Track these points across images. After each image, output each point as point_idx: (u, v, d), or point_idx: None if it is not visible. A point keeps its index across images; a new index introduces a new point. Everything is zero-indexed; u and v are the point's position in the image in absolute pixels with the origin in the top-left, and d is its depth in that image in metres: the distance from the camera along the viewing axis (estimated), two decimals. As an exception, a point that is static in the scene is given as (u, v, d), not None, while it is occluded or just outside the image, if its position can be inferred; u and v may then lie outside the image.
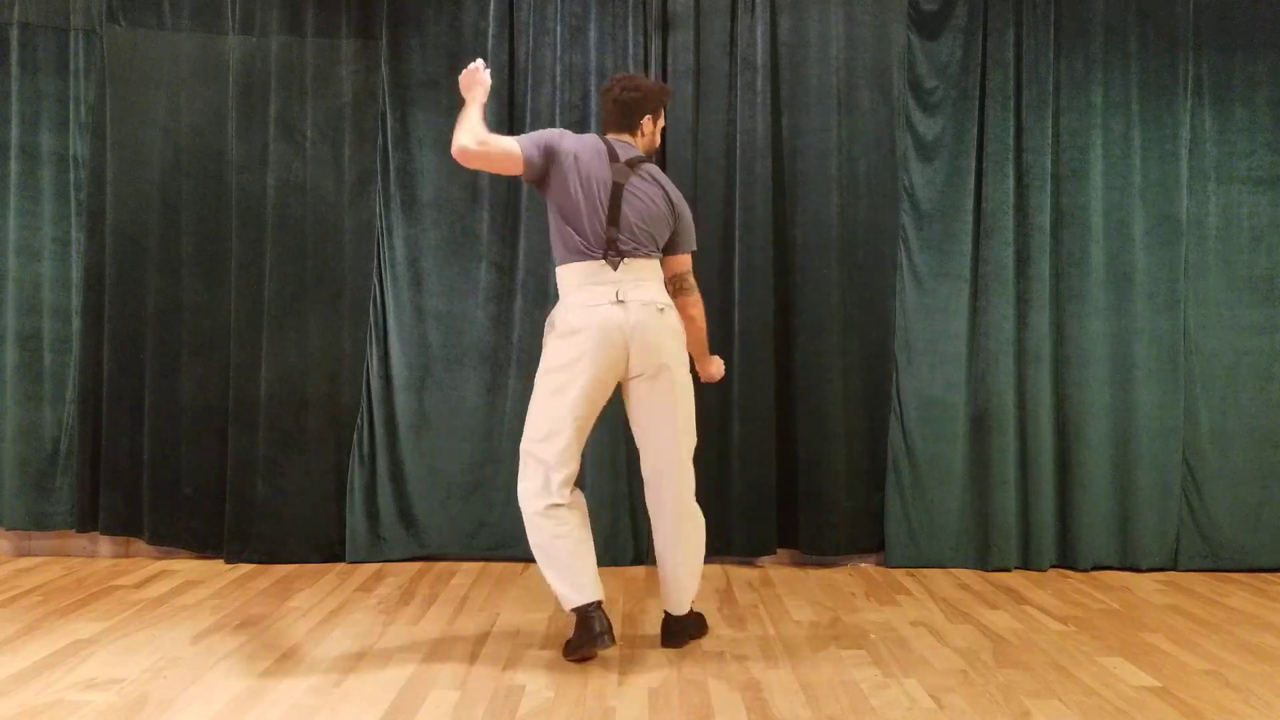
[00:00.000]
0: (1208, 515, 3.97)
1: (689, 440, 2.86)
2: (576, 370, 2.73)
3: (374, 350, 3.96)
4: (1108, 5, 3.99)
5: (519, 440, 3.90)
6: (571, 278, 2.79)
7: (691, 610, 2.93)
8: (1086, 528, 3.93)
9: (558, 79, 3.98)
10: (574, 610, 2.72)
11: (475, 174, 3.98)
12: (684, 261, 2.92)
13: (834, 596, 3.51)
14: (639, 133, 2.91)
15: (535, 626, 3.09)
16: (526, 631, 3.04)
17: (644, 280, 2.77)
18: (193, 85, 3.96)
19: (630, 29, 3.96)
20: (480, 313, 3.98)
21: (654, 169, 2.90)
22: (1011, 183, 3.94)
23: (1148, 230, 3.98)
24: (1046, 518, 3.93)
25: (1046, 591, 3.61)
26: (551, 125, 3.98)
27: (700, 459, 3.91)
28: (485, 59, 3.96)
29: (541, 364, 2.83)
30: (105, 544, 4.02)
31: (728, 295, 3.95)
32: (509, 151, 2.73)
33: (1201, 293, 3.99)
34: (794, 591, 3.58)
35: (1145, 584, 3.77)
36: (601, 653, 2.79)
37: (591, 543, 2.80)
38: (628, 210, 2.77)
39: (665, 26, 4.00)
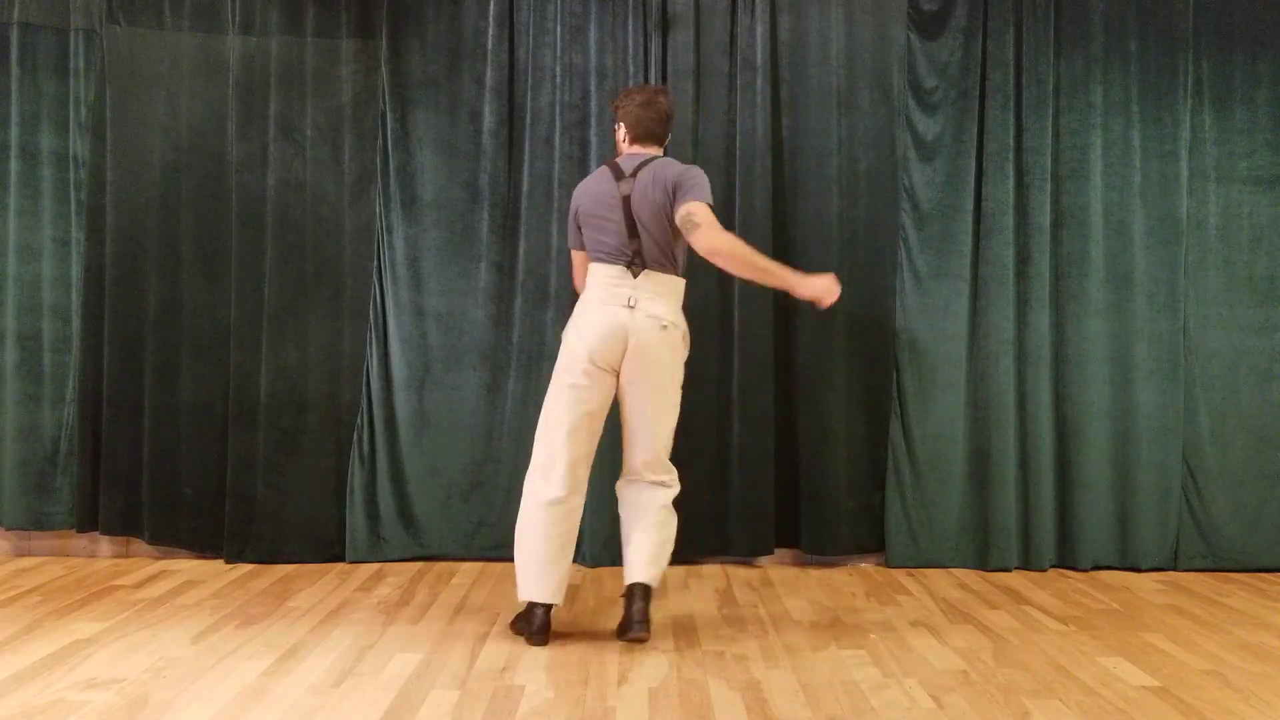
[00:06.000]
0: (1208, 515, 3.97)
1: (668, 444, 3.04)
2: (577, 358, 2.91)
3: (374, 350, 3.96)
4: (1108, 5, 3.99)
5: (519, 440, 3.97)
6: (594, 275, 2.98)
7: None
8: (1086, 528, 3.94)
9: (558, 79, 3.98)
10: None
11: (475, 174, 3.99)
12: (686, 205, 2.87)
13: (834, 596, 3.51)
14: (664, 142, 3.09)
15: (535, 626, 3.09)
16: (526, 631, 3.04)
17: (659, 295, 2.92)
18: (193, 85, 3.96)
19: (630, 29, 3.96)
20: (480, 313, 3.98)
21: (661, 163, 2.99)
22: (1011, 183, 3.94)
23: (1148, 230, 3.98)
24: (1046, 518, 3.93)
25: (1046, 591, 3.61)
26: (552, 125, 3.98)
27: (700, 458, 3.96)
28: (485, 59, 3.99)
29: (560, 353, 3.02)
30: (105, 544, 4.02)
31: (728, 295, 3.95)
32: (577, 263, 3.13)
33: (1201, 293, 3.99)
34: (794, 591, 3.58)
35: (1145, 584, 3.77)
36: (601, 652, 2.82)
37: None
38: (642, 219, 2.92)
39: (665, 26, 4.00)
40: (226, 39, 3.96)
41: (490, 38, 3.98)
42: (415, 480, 3.97)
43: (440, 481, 3.97)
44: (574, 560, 3.92)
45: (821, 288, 2.89)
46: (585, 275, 3.05)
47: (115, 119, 3.94)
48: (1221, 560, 3.96)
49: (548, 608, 2.92)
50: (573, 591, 3.54)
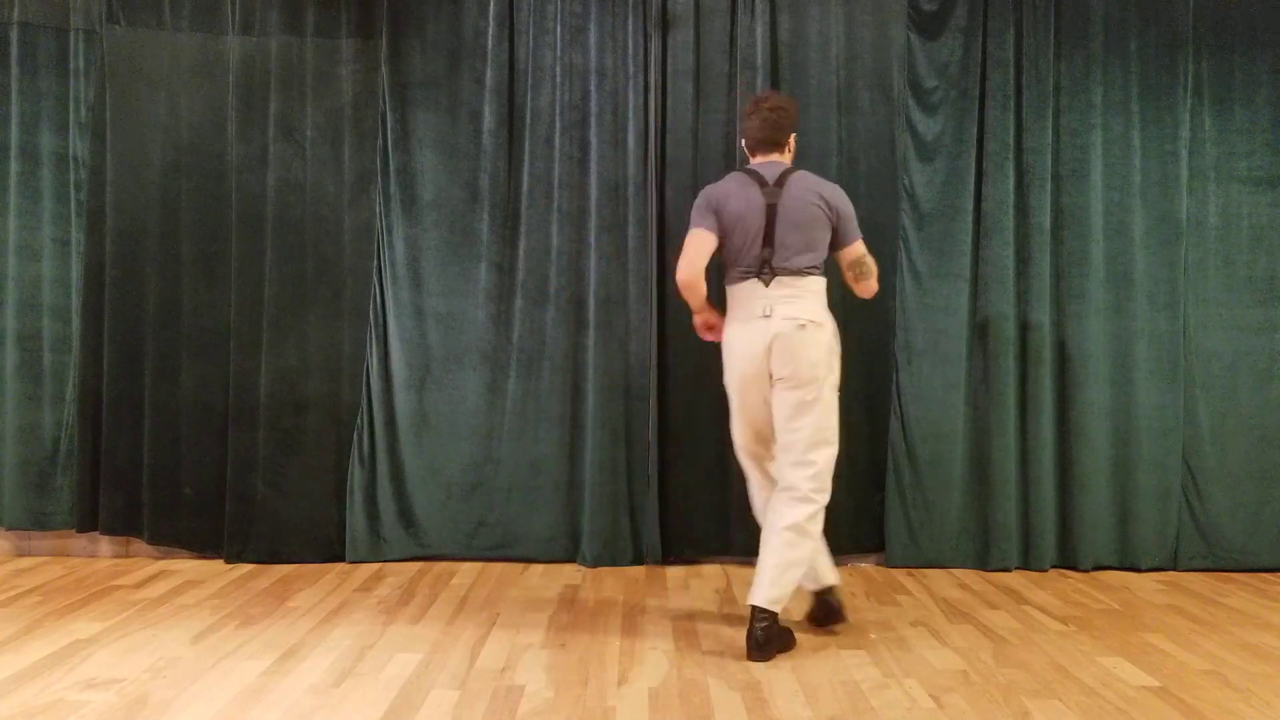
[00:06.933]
0: (1208, 515, 3.97)
1: (824, 450, 2.94)
2: (735, 380, 3.00)
3: (374, 350, 3.96)
4: (1108, 5, 3.99)
5: (519, 440, 3.97)
6: (735, 296, 3.02)
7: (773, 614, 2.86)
8: (1086, 528, 3.93)
9: (558, 79, 3.98)
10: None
11: (475, 174, 3.99)
12: (854, 249, 3.05)
13: (834, 596, 3.51)
14: (785, 149, 3.08)
15: (535, 626, 3.09)
16: (526, 631, 3.04)
17: (794, 297, 2.93)
18: (193, 85, 3.96)
19: (630, 29, 3.96)
20: (480, 313, 3.98)
21: (805, 175, 3.04)
22: (1011, 183, 3.94)
23: (1148, 230, 3.98)
24: (1046, 518, 3.93)
25: (1046, 591, 3.61)
26: (552, 125, 3.98)
27: (700, 458, 3.96)
28: (485, 59, 3.99)
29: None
30: (105, 544, 4.02)
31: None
32: (702, 245, 2.97)
33: (1201, 293, 3.99)
34: (794, 591, 3.58)
35: (1145, 584, 3.77)
36: (601, 652, 2.83)
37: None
38: (781, 228, 2.94)
39: (665, 26, 4.00)
40: (226, 39, 3.96)
41: (490, 38, 3.98)
42: (415, 480, 3.97)
43: (440, 481, 3.97)
44: (574, 560, 3.96)
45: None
46: (704, 262, 2.97)
47: (115, 119, 3.94)
48: (1221, 560, 3.96)
49: (811, 594, 3.08)
50: (572, 592, 3.54)
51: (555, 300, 3.97)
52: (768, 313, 2.92)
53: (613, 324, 3.95)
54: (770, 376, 2.94)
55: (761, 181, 2.98)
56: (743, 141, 3.14)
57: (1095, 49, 3.98)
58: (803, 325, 2.91)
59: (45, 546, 4.04)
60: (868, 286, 3.08)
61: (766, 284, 2.94)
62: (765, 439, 3.06)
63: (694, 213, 3.02)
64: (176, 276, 3.95)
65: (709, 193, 3.03)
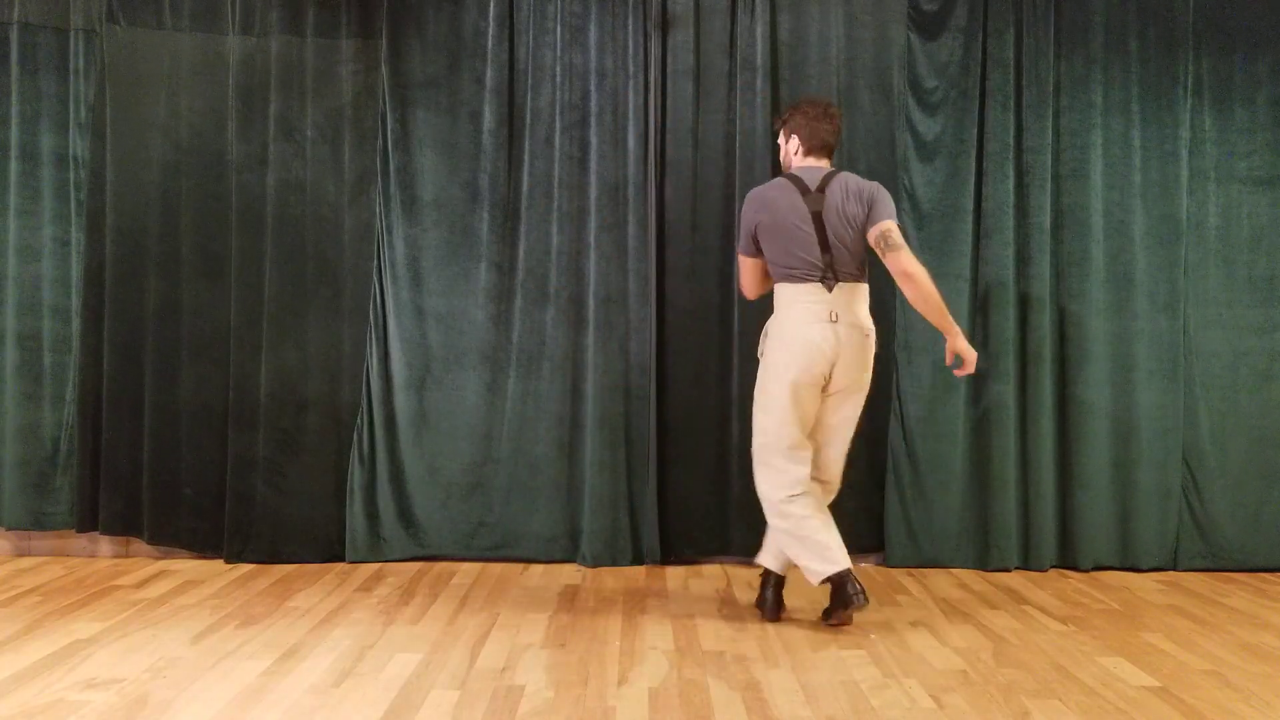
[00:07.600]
0: (1208, 515, 3.97)
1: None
2: (789, 378, 3.02)
3: (374, 350, 3.96)
4: (1108, 5, 3.99)
5: (518, 440, 3.98)
6: (787, 294, 3.07)
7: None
8: (1087, 528, 3.93)
9: (558, 79, 3.98)
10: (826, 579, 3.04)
11: (475, 174, 3.99)
12: (881, 225, 3.02)
13: (834, 596, 3.51)
14: (834, 152, 3.17)
15: (535, 626, 3.09)
16: (526, 631, 3.04)
17: (854, 304, 3.04)
18: (193, 85, 3.96)
19: (630, 29, 3.96)
20: (480, 313, 3.98)
21: (844, 176, 3.10)
22: (1011, 183, 3.94)
23: (1148, 230, 3.98)
24: (1047, 518, 3.93)
25: (1046, 591, 3.61)
26: (551, 125, 3.98)
27: (700, 458, 3.96)
28: (485, 59, 3.99)
29: (761, 373, 3.14)
30: (105, 544, 4.02)
31: (727, 296, 3.95)
32: (748, 270, 3.19)
33: (1201, 293, 3.99)
34: (794, 591, 3.58)
35: (1145, 584, 3.77)
36: (601, 652, 2.81)
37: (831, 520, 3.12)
38: (831, 232, 3.00)
39: (665, 26, 4.00)
40: (226, 39, 3.96)
41: (490, 38, 3.98)
42: (415, 480, 3.97)
43: (440, 481, 3.97)
44: (574, 560, 3.96)
45: (969, 355, 3.06)
46: (756, 282, 3.21)
47: (115, 119, 3.94)
48: (1221, 560, 3.96)
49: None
50: (572, 592, 3.54)
51: (555, 300, 3.97)
52: (834, 318, 2.99)
53: (613, 324, 3.95)
54: (827, 382, 3.04)
55: (804, 188, 3.04)
56: (792, 140, 3.16)
57: (1095, 49, 3.98)
58: (867, 334, 3.04)
59: (45, 546, 4.04)
60: (897, 259, 2.97)
61: (830, 289, 3.01)
62: (809, 440, 3.13)
63: (742, 235, 3.16)
64: (176, 276, 3.95)
65: (750, 205, 3.12)
